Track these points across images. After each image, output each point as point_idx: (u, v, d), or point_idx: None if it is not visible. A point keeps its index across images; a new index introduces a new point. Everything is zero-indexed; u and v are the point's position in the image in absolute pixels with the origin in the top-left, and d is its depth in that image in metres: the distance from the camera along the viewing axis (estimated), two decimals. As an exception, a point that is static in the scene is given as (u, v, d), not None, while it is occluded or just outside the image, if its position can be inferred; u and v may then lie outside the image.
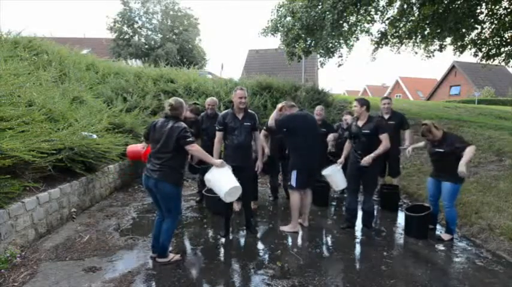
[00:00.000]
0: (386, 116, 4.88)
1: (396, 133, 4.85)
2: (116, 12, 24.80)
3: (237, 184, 3.13)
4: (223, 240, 3.67)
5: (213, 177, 3.13)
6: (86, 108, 5.57)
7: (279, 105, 4.00)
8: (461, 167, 3.37)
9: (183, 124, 2.93)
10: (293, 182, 3.82)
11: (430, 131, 3.63)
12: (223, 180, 3.12)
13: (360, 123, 3.85)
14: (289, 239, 3.75)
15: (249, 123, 3.69)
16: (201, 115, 4.85)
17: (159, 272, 2.92)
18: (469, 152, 3.44)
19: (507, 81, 26.87)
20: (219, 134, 3.71)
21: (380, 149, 3.69)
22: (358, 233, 3.97)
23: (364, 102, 3.84)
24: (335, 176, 4.25)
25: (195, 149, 2.91)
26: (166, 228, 3.03)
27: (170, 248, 3.19)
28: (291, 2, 9.28)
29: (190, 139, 2.86)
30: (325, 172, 4.27)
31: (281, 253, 3.38)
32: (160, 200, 2.98)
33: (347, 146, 4.13)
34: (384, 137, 3.71)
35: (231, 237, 3.75)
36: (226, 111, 3.81)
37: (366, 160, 3.67)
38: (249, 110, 3.82)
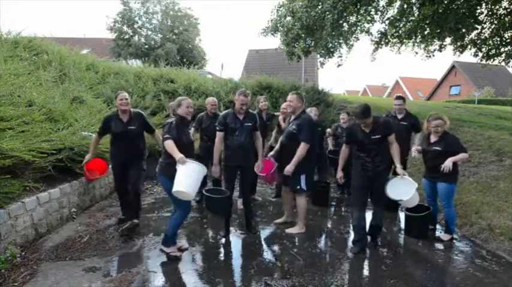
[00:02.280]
0: (399, 116, 4.73)
1: (407, 134, 4.71)
2: (116, 12, 24.86)
3: (185, 189, 2.78)
4: (223, 240, 3.68)
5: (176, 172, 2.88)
6: (86, 108, 5.58)
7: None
8: (448, 162, 3.46)
9: (169, 120, 3.10)
10: (303, 186, 3.75)
11: (443, 119, 3.66)
12: (177, 178, 2.84)
13: (367, 129, 3.37)
14: (289, 239, 3.75)
15: (249, 124, 3.68)
16: (201, 115, 4.86)
17: (159, 272, 2.93)
18: (461, 156, 3.55)
19: (507, 81, 26.84)
20: (219, 134, 3.69)
21: (398, 156, 3.39)
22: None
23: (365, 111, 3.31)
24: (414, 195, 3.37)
25: (166, 143, 2.94)
26: (173, 218, 3.22)
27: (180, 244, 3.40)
28: (291, 2, 9.27)
29: (165, 135, 2.96)
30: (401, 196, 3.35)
31: (281, 253, 3.39)
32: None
33: (344, 152, 3.65)
34: (392, 139, 3.42)
35: (231, 237, 3.75)
36: (226, 111, 3.79)
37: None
38: (250, 111, 3.81)
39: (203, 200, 4.96)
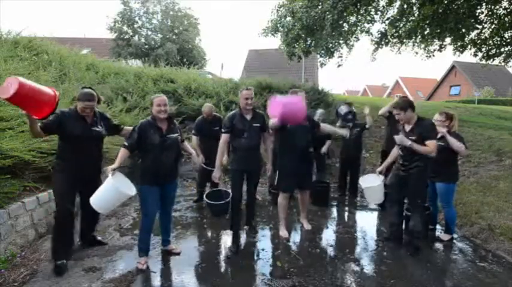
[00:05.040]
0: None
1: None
2: (116, 12, 24.82)
3: (91, 202, 2.73)
4: (223, 240, 3.67)
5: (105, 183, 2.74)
6: (86, 108, 5.56)
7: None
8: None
9: (139, 122, 2.96)
10: None
11: (452, 119, 3.62)
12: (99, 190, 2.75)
13: (407, 128, 3.32)
14: (290, 239, 3.75)
15: (258, 125, 3.50)
16: (199, 119, 4.88)
17: (159, 272, 2.93)
18: (459, 146, 3.47)
19: (507, 81, 26.87)
20: (225, 137, 3.50)
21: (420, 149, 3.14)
22: (358, 233, 3.97)
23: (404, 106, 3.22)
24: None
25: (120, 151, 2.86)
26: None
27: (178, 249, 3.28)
28: (291, 2, 9.28)
29: (124, 143, 2.89)
30: (365, 183, 3.75)
31: (281, 253, 3.39)
32: None
33: (394, 152, 3.57)
34: (431, 143, 3.14)
35: (230, 237, 3.74)
36: (233, 112, 3.61)
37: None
38: (258, 110, 3.63)
39: (200, 200, 4.98)
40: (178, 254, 3.26)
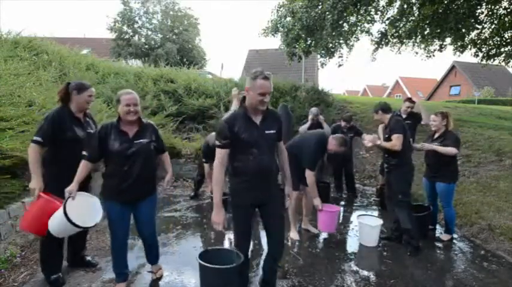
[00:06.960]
0: (404, 115, 4.89)
1: (412, 132, 4.76)
2: (116, 12, 24.85)
3: (49, 227, 2.34)
4: (223, 240, 3.67)
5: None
6: (86, 109, 5.56)
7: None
8: (420, 144, 3.69)
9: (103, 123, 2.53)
10: None
11: (447, 117, 3.64)
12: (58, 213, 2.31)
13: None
14: (289, 240, 3.74)
15: (273, 131, 2.20)
16: (204, 145, 4.77)
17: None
18: (447, 149, 3.50)
19: (507, 81, 26.87)
20: (222, 154, 2.13)
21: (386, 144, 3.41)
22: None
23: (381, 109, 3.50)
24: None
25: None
26: None
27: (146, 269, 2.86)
28: (291, 2, 9.27)
29: (83, 153, 2.41)
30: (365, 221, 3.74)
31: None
32: None
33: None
34: (394, 137, 3.35)
35: (230, 237, 3.74)
36: (233, 113, 2.20)
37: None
38: (271, 108, 2.29)
39: (195, 197, 4.96)
40: (159, 278, 2.79)
